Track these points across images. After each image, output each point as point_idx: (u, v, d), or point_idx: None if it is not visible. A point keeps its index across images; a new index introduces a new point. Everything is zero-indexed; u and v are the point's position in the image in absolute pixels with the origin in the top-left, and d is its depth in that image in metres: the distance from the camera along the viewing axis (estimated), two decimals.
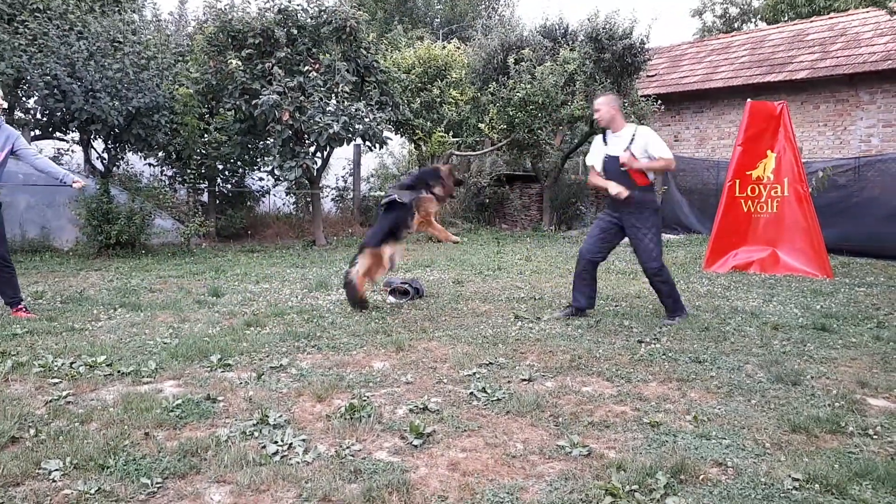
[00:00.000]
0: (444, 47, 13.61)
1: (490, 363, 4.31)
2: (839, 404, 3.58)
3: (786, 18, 21.97)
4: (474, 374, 4.08)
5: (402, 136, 13.37)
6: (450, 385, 3.89)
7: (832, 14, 16.85)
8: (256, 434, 3.13)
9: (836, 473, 2.73)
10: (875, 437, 3.17)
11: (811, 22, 16.14)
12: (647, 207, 5.42)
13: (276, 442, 3.02)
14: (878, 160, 10.42)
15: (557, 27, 15.08)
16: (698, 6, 28.16)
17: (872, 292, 7.05)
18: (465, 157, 14.99)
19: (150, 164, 11.93)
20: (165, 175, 11.97)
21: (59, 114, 9.69)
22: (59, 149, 11.67)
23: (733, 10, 27.57)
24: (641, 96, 13.31)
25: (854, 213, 10.18)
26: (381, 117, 10.85)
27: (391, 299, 6.40)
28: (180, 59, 11.01)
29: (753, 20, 26.66)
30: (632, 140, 5.37)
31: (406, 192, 5.54)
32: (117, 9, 11.63)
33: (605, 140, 5.59)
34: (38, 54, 9.28)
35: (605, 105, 5.50)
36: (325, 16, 10.78)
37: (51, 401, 3.53)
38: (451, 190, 5.68)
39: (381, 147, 11.74)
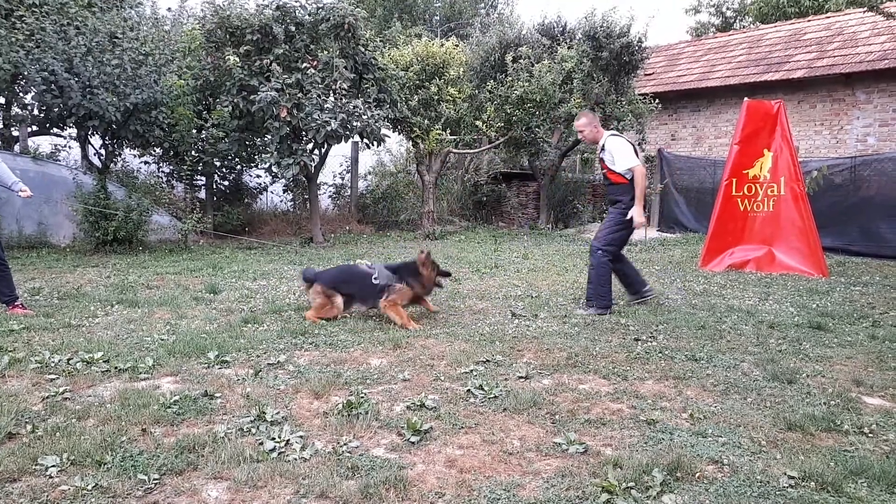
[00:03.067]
0: (442, 45, 13.57)
1: (487, 361, 4.32)
2: (835, 403, 3.60)
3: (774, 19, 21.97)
4: (471, 371, 4.09)
5: (399, 133, 13.34)
6: (447, 382, 3.90)
7: (829, 13, 16.87)
8: (254, 430, 3.14)
9: (832, 471, 2.74)
10: (870, 435, 3.19)
11: (808, 21, 16.16)
12: (618, 203, 5.90)
13: (273, 438, 3.02)
14: (874, 159, 10.45)
15: (556, 25, 15.10)
16: (694, 4, 28.19)
17: (868, 291, 7.07)
18: (463, 155, 14.98)
19: (145, 163, 11.90)
20: (163, 171, 11.94)
21: (56, 109, 9.66)
22: (56, 145, 11.63)
23: (727, 12, 27.59)
24: (638, 95, 13.31)
25: (850, 212, 10.22)
26: (378, 114, 10.84)
27: None
28: (177, 54, 10.97)
29: (747, 19, 26.65)
30: (602, 148, 5.87)
31: (387, 274, 5.38)
32: (118, 4, 11.59)
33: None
34: (36, 49, 9.24)
35: (587, 126, 5.96)
36: (323, 13, 10.76)
37: (48, 397, 3.53)
38: (431, 281, 5.60)
39: (378, 144, 11.74)
